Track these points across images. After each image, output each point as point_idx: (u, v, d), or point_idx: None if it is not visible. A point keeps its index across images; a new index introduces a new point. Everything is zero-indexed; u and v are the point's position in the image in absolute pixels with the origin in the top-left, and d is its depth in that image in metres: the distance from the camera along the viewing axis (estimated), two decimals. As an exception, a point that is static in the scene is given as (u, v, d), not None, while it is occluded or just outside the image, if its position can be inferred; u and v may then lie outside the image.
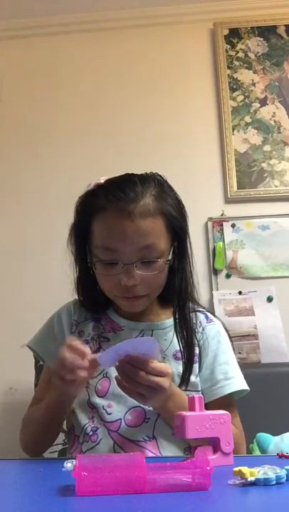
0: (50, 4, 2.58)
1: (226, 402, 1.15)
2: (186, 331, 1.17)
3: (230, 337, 1.25)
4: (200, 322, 1.21)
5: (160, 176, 1.19)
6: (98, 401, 1.12)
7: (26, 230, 2.53)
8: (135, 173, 1.18)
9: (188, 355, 1.16)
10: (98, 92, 2.64)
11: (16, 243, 2.52)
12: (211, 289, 2.38)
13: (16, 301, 2.45)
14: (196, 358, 1.17)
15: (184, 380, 1.13)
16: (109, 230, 1.09)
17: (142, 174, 1.17)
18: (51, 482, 0.79)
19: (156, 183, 1.14)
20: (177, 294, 1.19)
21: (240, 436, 1.16)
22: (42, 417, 1.14)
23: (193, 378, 1.15)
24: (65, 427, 1.24)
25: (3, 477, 0.87)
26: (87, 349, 0.98)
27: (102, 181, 1.15)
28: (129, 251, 1.08)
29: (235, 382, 1.17)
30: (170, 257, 1.15)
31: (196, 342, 1.18)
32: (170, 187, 1.18)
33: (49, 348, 1.21)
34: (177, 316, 1.19)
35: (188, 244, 1.19)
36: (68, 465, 0.87)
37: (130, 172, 1.19)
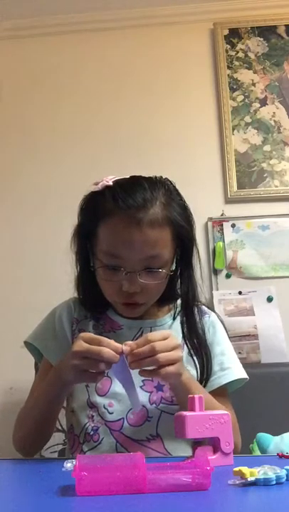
0: (50, 4, 2.58)
1: (221, 392, 1.16)
2: (198, 339, 1.17)
3: (226, 329, 1.26)
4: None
5: (169, 181, 1.17)
6: (99, 400, 1.12)
7: (26, 230, 2.53)
8: (143, 175, 1.16)
9: (202, 363, 1.15)
10: (98, 92, 2.64)
11: (16, 243, 2.52)
12: (211, 289, 2.38)
13: (15, 301, 2.45)
14: (192, 352, 1.17)
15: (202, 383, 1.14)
16: (116, 237, 1.07)
17: (150, 178, 1.15)
18: (51, 482, 0.79)
19: (165, 189, 1.12)
20: (184, 302, 1.19)
21: (236, 421, 1.16)
22: (38, 411, 1.12)
23: (192, 370, 1.15)
24: (64, 426, 1.24)
25: (3, 477, 0.87)
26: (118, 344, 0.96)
27: (110, 182, 1.12)
28: (134, 259, 1.07)
29: (232, 372, 1.18)
30: (174, 267, 1.14)
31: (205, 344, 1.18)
32: (178, 194, 1.16)
33: (49, 345, 1.21)
34: (185, 327, 1.18)
35: (194, 253, 1.17)
36: (68, 465, 0.87)
37: (131, 172, 1.18)
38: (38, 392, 1.16)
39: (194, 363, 1.16)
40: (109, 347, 0.94)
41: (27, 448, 1.17)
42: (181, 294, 1.20)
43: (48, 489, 0.75)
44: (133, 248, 1.06)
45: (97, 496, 0.69)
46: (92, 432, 1.11)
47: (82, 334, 0.99)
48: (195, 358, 1.16)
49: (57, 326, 1.23)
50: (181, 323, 1.19)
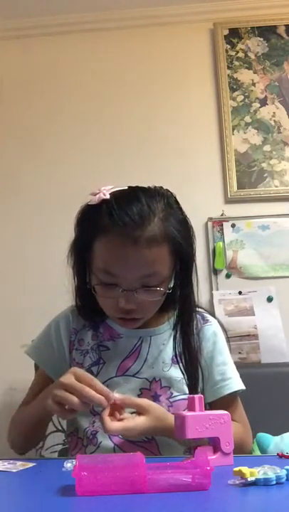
0: (50, 4, 2.58)
1: (227, 401, 1.15)
2: (190, 359, 1.15)
3: (227, 336, 1.25)
4: (196, 324, 1.20)
5: (170, 192, 1.13)
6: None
7: (27, 231, 2.53)
8: (142, 186, 1.12)
9: (192, 374, 1.15)
10: (98, 92, 2.64)
11: (16, 243, 2.52)
12: (211, 289, 2.38)
13: (16, 301, 2.45)
14: (183, 368, 1.16)
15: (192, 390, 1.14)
16: (112, 255, 1.05)
17: (149, 190, 1.11)
18: (51, 482, 0.79)
19: (164, 203, 1.08)
20: (180, 321, 1.17)
21: (242, 432, 1.17)
22: (28, 422, 1.16)
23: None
24: (65, 426, 1.24)
25: (3, 477, 0.87)
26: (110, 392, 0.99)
27: (107, 195, 1.07)
28: (130, 278, 1.05)
29: (233, 382, 1.17)
30: (172, 284, 1.12)
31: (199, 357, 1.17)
32: (179, 208, 1.12)
33: (46, 357, 1.22)
34: (180, 345, 1.17)
35: (193, 271, 1.14)
36: (68, 465, 0.87)
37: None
38: (27, 409, 1.18)
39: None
40: (98, 390, 0.97)
41: (16, 450, 1.22)
42: (177, 312, 1.18)
43: (48, 489, 0.75)
44: (129, 267, 1.04)
45: (97, 496, 0.69)
46: (91, 436, 1.12)
47: (75, 370, 1.01)
48: (186, 374, 1.15)
49: (53, 338, 1.22)
50: (174, 339, 1.17)
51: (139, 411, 1.02)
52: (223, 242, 2.43)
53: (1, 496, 0.77)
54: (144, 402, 1.04)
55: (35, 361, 1.26)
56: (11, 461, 0.95)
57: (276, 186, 2.48)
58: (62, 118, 2.62)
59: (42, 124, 2.63)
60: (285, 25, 2.63)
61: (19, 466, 0.93)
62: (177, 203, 1.13)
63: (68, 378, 0.98)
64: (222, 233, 2.44)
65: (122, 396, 1.01)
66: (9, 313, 2.43)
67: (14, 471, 0.90)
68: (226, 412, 0.93)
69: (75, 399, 0.96)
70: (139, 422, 1.00)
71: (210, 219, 2.45)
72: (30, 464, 0.94)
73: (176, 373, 1.14)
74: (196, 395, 0.92)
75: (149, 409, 1.02)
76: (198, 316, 1.21)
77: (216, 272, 2.41)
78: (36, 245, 2.50)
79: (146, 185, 1.14)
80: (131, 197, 1.07)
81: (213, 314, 1.28)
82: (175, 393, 1.13)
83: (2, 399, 2.33)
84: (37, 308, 2.34)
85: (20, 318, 2.39)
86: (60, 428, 1.98)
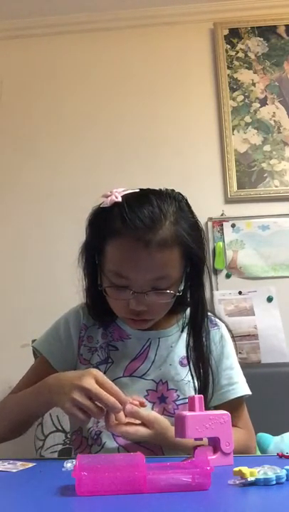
0: (50, 4, 2.58)
1: (232, 406, 1.14)
2: (202, 362, 1.15)
3: (234, 340, 1.25)
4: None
5: (180, 195, 1.13)
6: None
7: (27, 230, 2.53)
8: (153, 189, 1.13)
9: (203, 383, 1.14)
10: (98, 92, 2.64)
11: (16, 243, 2.52)
12: (211, 289, 2.38)
13: (16, 301, 2.44)
14: (195, 372, 1.16)
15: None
16: (123, 258, 1.06)
17: (160, 193, 1.11)
18: (51, 482, 0.79)
19: (176, 206, 1.09)
20: (193, 323, 1.17)
21: (247, 439, 1.17)
22: (22, 412, 1.14)
23: (196, 384, 1.15)
24: (64, 426, 1.24)
25: (3, 477, 0.87)
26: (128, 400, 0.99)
27: (119, 198, 1.08)
28: (141, 280, 1.06)
29: (240, 387, 1.17)
30: (182, 286, 1.13)
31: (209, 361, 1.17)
32: (190, 211, 1.13)
33: (54, 350, 1.22)
34: (190, 348, 1.17)
35: (204, 273, 1.14)
36: (68, 465, 0.87)
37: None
38: (20, 399, 1.16)
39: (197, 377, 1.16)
40: (118, 398, 0.97)
41: None
42: (190, 315, 1.18)
43: (48, 489, 0.75)
44: (140, 270, 1.05)
45: (97, 496, 0.69)
46: (95, 437, 1.12)
47: (96, 373, 1.00)
48: (196, 377, 1.15)
49: (62, 331, 1.23)
50: (187, 344, 1.17)
51: (146, 424, 1.02)
52: (223, 242, 2.43)
53: (1, 496, 0.77)
54: (151, 416, 1.04)
55: (43, 354, 1.23)
56: (11, 461, 0.96)
57: (276, 186, 2.48)
58: (62, 118, 2.62)
59: (42, 123, 2.63)
60: (285, 25, 2.63)
61: (19, 466, 0.93)
62: (188, 206, 1.13)
63: (90, 383, 0.97)
64: (222, 233, 2.44)
65: (131, 408, 1.01)
66: (9, 313, 2.43)
67: (14, 471, 0.90)
68: (225, 412, 0.93)
69: (97, 410, 0.96)
70: (140, 430, 1.01)
71: (210, 219, 2.45)
72: (30, 464, 0.94)
73: (184, 376, 1.15)
74: (196, 395, 0.92)
75: (154, 422, 1.03)
76: (206, 319, 1.21)
77: (216, 271, 2.41)
78: (36, 244, 2.50)
79: (150, 186, 1.14)
80: (143, 200, 1.08)
81: (218, 317, 1.28)
82: (182, 396, 1.13)
83: (2, 398, 2.33)
84: (37, 308, 2.34)
85: (21, 317, 2.39)
86: (60, 428, 1.98)
